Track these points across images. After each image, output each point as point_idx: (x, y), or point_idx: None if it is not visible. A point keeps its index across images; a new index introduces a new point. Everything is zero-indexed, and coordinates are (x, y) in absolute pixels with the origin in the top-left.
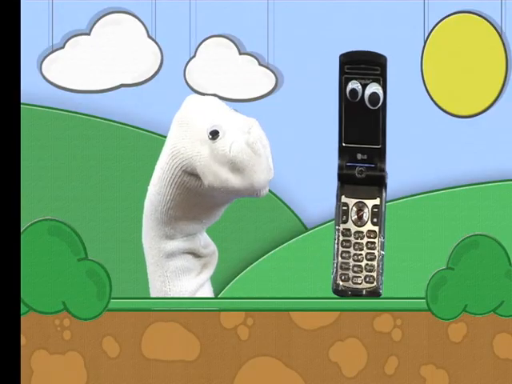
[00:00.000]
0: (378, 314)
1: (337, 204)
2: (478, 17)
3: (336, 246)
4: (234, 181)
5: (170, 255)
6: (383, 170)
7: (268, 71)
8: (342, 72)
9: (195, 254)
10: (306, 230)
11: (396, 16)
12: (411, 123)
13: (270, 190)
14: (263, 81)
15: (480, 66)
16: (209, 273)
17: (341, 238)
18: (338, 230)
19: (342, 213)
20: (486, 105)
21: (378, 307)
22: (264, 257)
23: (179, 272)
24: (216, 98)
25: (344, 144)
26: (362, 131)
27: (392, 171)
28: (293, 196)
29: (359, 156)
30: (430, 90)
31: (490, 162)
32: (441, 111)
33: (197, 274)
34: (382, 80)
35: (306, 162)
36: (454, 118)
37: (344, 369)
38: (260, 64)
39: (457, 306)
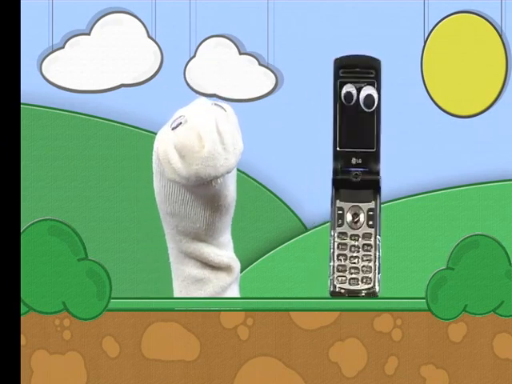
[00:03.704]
0: (378, 313)
1: (332, 208)
2: (478, 17)
3: (332, 249)
4: (181, 167)
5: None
6: (378, 174)
7: (268, 71)
8: (336, 76)
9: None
10: (306, 229)
11: (396, 16)
12: (411, 123)
13: (270, 190)
14: (263, 81)
15: (480, 66)
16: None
17: (337, 241)
18: (334, 233)
19: (337, 217)
20: (486, 105)
21: (378, 307)
22: (264, 257)
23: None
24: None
25: (338, 148)
26: (356, 135)
27: (392, 171)
28: (293, 196)
29: (354, 160)
30: (429, 90)
31: (490, 161)
32: (441, 111)
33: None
34: (376, 83)
35: (307, 161)
36: (454, 117)
37: (344, 369)
38: (260, 64)
39: (457, 305)
